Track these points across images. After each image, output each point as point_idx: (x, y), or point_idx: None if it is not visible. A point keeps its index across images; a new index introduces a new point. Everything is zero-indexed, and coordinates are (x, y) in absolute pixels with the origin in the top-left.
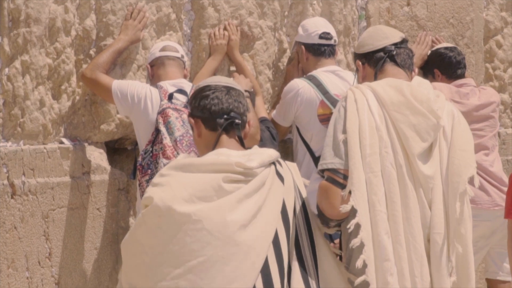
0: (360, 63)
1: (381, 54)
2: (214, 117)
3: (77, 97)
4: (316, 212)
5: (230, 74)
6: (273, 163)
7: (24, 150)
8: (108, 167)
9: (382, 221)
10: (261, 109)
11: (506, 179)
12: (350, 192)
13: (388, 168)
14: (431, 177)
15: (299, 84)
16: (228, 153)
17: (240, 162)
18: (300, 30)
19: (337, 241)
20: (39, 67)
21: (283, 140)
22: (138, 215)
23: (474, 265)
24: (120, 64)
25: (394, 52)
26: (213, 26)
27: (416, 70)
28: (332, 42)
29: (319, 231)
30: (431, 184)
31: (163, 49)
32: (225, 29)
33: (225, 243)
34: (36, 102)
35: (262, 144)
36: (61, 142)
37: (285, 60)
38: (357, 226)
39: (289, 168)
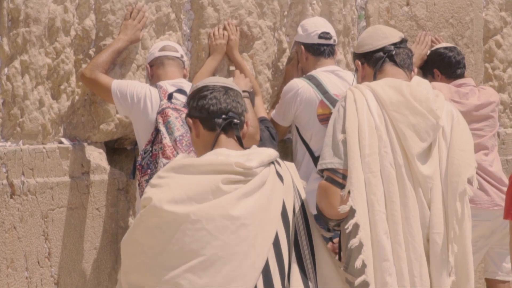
0: (359, 63)
1: (381, 54)
2: (213, 117)
3: (77, 97)
4: (315, 212)
5: (229, 74)
6: (272, 162)
7: (24, 150)
8: (108, 167)
9: (381, 221)
10: (261, 109)
11: (505, 179)
12: (349, 192)
13: (387, 168)
14: (430, 177)
15: (298, 84)
16: (227, 153)
17: (240, 162)
18: (299, 30)
19: (336, 240)
20: (38, 67)
21: (282, 140)
22: (137, 215)
23: (474, 265)
24: (119, 64)
25: (394, 52)
26: (212, 26)
27: (416, 70)
28: (331, 42)
29: (317, 231)
30: (430, 184)
31: (162, 49)
32: (224, 29)
33: (224, 242)
34: (35, 102)
35: (262, 144)
36: (61, 142)
37: (284, 60)
38: (356, 226)
39: (287, 168)
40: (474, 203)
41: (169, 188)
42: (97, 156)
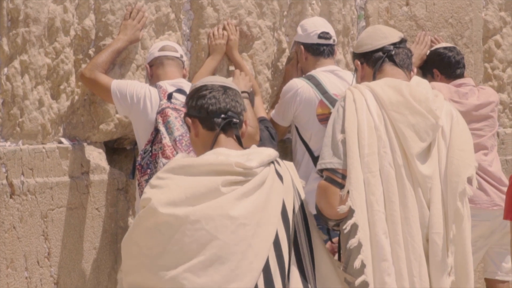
0: (358, 62)
1: (380, 54)
2: (212, 117)
3: (76, 97)
4: (314, 212)
5: (229, 74)
6: (272, 162)
7: (23, 150)
8: (107, 167)
9: (380, 221)
10: (260, 109)
11: (505, 179)
12: (348, 192)
13: (386, 168)
14: (430, 177)
15: (298, 84)
16: (227, 152)
17: (240, 162)
18: (299, 30)
19: (335, 240)
20: (38, 67)
21: (282, 139)
22: (137, 215)
23: (473, 265)
24: (119, 64)
25: (393, 52)
26: (212, 25)
27: (415, 70)
28: (331, 42)
29: (317, 231)
30: (429, 184)
31: (162, 48)
32: (224, 28)
33: (224, 242)
34: (35, 102)
35: (261, 143)
36: (60, 142)
37: (284, 60)
38: (355, 226)
39: (287, 168)
40: (473, 203)
41: (169, 190)
42: (96, 156)
